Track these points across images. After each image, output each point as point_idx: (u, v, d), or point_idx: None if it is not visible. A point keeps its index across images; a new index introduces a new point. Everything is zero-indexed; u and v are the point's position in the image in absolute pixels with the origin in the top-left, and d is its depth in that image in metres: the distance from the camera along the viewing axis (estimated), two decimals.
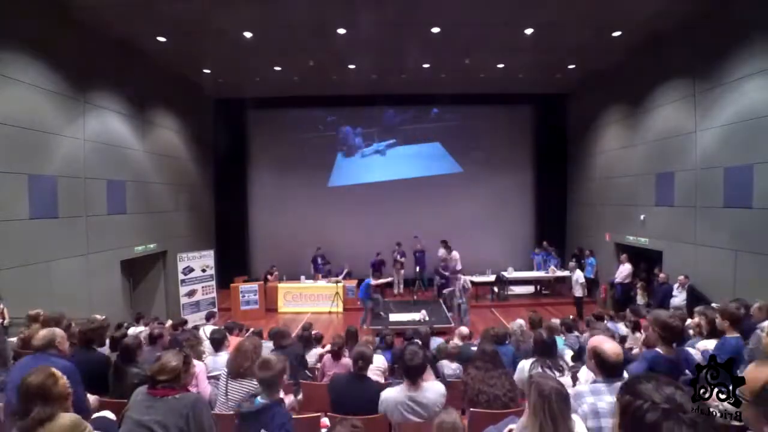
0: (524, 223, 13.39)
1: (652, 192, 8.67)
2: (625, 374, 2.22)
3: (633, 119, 9.42)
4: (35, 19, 6.22)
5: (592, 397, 2.03)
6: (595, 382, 2.16)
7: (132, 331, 5.55)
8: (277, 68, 10.01)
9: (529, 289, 11.85)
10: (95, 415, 2.62)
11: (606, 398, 2.01)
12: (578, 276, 9.22)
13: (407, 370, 2.76)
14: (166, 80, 10.05)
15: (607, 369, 2.14)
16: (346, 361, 4.19)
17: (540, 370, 2.99)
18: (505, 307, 10.49)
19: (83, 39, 7.25)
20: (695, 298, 6.99)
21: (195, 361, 3.17)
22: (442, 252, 10.42)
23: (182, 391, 2.23)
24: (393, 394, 2.80)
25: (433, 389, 2.78)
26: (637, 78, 9.19)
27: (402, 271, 11.91)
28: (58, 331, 2.96)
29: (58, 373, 2.03)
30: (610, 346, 2.16)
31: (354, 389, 3.04)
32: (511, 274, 11.25)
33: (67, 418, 1.91)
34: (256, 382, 2.87)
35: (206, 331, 5.66)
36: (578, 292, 9.15)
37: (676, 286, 7.39)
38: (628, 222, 9.50)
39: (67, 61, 6.84)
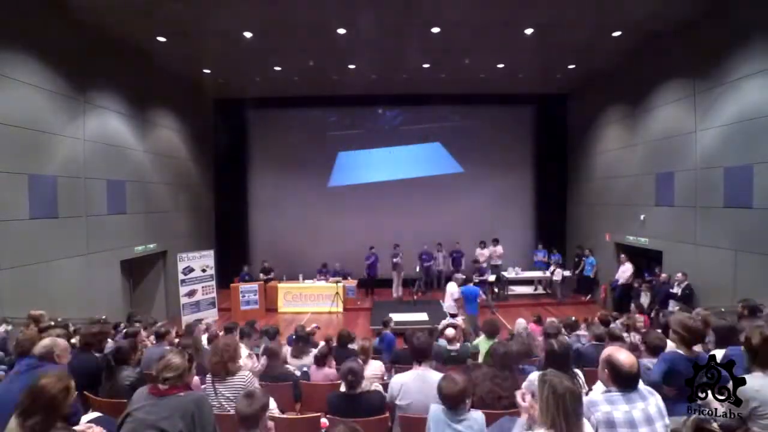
0: (524, 223, 13.38)
1: (652, 192, 8.66)
2: (641, 385, 2.11)
3: (633, 119, 9.42)
4: (35, 19, 6.22)
5: (607, 405, 1.97)
6: (608, 391, 2.07)
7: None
8: (277, 68, 10.01)
9: (530, 289, 11.87)
10: (92, 416, 2.62)
11: (621, 407, 1.95)
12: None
13: (414, 352, 2.98)
14: (166, 80, 10.05)
15: (621, 380, 2.04)
16: (329, 371, 4.06)
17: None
18: (505, 307, 10.48)
19: (83, 39, 7.25)
20: (688, 297, 7.03)
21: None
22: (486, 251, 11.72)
23: (186, 390, 2.20)
24: (404, 377, 2.94)
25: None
26: (637, 78, 9.18)
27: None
28: (60, 343, 2.92)
29: (73, 385, 2.04)
30: (624, 357, 2.06)
31: (348, 411, 2.84)
32: (511, 274, 11.26)
33: None
34: (242, 377, 2.90)
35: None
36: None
37: (675, 284, 7.40)
38: (628, 222, 9.49)
39: (67, 61, 6.85)
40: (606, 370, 2.09)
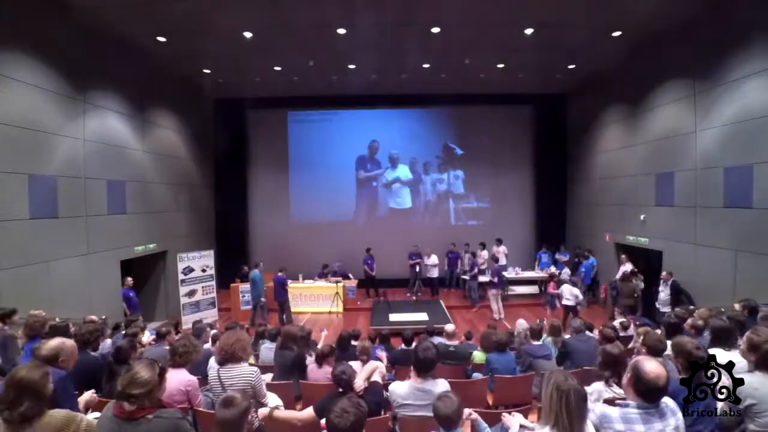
0: (524, 223, 13.37)
1: (652, 192, 8.66)
2: (668, 400, 1.93)
3: (633, 119, 9.41)
4: (35, 19, 6.22)
5: (621, 424, 1.84)
6: (626, 406, 1.93)
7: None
8: (277, 68, 10.01)
9: (530, 289, 11.86)
10: (93, 416, 2.62)
11: (637, 428, 1.82)
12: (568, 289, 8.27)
13: (417, 362, 2.85)
14: (166, 80, 10.05)
15: (641, 389, 1.88)
16: (328, 369, 4.02)
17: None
18: (505, 307, 10.46)
19: (83, 39, 7.25)
20: (678, 294, 7.03)
21: (189, 376, 3.10)
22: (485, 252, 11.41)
23: (156, 410, 1.95)
24: (401, 387, 2.88)
25: (441, 383, 2.88)
26: (637, 78, 9.18)
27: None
28: (68, 347, 2.74)
29: (50, 376, 2.02)
30: (650, 367, 1.88)
31: None
32: (512, 274, 11.25)
33: (60, 413, 1.93)
34: (244, 365, 2.93)
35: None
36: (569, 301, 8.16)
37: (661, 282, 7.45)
38: (628, 222, 9.49)
39: (67, 61, 6.84)
40: (629, 375, 1.96)
